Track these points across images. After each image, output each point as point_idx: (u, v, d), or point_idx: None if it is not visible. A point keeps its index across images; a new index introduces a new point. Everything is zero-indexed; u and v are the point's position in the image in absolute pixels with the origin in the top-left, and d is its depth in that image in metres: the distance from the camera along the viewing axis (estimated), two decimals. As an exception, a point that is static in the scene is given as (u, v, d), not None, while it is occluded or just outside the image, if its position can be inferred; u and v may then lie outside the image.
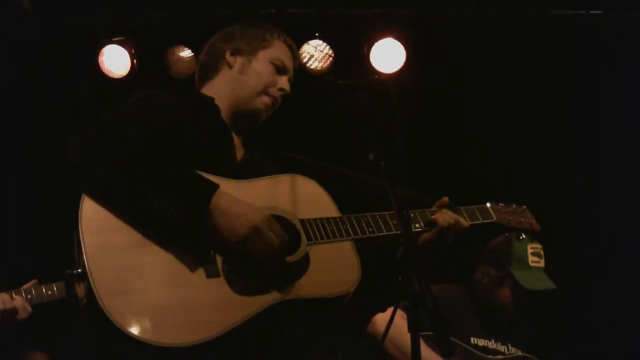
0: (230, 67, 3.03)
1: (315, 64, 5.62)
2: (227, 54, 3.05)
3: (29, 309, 3.44)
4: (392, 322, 2.78)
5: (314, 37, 5.56)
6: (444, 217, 3.02)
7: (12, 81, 3.48)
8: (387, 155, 2.52)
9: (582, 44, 5.63)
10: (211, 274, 2.53)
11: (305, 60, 5.58)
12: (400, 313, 3.05)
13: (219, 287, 2.51)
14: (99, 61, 5.50)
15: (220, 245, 2.57)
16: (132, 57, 5.51)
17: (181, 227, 2.51)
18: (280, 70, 3.04)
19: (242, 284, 2.54)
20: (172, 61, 5.60)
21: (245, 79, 3.00)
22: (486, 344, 4.22)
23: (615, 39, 5.50)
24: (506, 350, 4.25)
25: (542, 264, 4.28)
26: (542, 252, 4.29)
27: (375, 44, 5.54)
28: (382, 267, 2.93)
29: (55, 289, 3.54)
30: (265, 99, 3.00)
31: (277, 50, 3.07)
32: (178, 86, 5.50)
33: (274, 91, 3.01)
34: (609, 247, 5.81)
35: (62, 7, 5.43)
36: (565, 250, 5.33)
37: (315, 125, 5.83)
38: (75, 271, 2.45)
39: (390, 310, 4.18)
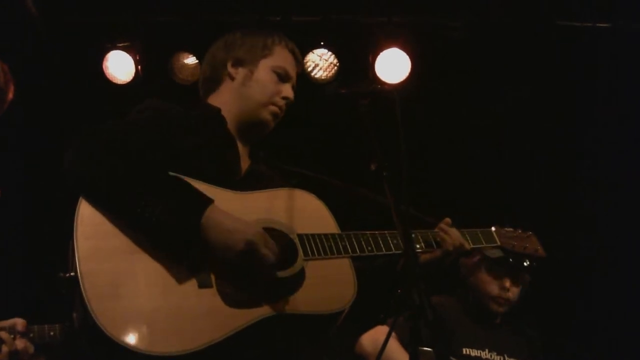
0: (233, 79, 3.01)
1: (320, 73, 5.61)
2: (229, 66, 3.01)
3: (32, 350, 3.43)
4: (385, 343, 2.76)
5: (319, 46, 5.55)
6: (451, 239, 2.99)
7: (16, 85, 3.49)
8: (389, 166, 2.50)
9: (586, 51, 5.63)
10: (203, 284, 2.50)
11: (310, 69, 5.57)
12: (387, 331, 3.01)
13: (211, 298, 2.49)
14: (104, 67, 5.50)
15: (214, 259, 2.53)
16: (136, 63, 5.52)
17: (174, 237, 2.49)
18: (282, 78, 3.01)
19: (234, 297, 2.51)
20: (177, 67, 5.60)
21: (248, 91, 2.98)
22: (479, 354, 4.18)
23: (620, 46, 5.51)
24: None
25: None
26: None
27: (381, 53, 5.53)
28: (382, 279, 2.93)
29: (57, 331, 3.53)
30: (271, 108, 2.98)
31: (279, 57, 3.03)
32: (182, 93, 5.50)
33: (278, 100, 2.98)
34: (610, 250, 5.82)
35: (68, 13, 5.44)
36: (566, 251, 5.34)
37: (319, 133, 5.82)
38: (67, 275, 2.43)
39: (377, 328, 4.21)
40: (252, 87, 2.98)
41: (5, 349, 3.33)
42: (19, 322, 3.43)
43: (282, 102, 2.99)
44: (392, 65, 5.54)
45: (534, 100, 5.87)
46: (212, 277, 2.52)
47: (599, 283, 5.77)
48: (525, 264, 3.79)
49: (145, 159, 2.57)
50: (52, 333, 3.51)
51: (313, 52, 5.57)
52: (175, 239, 2.49)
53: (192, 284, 2.48)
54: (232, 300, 2.50)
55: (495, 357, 4.20)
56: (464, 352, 4.16)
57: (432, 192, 5.27)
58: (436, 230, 3.03)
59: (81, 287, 2.36)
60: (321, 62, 5.57)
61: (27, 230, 5.41)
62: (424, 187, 4.71)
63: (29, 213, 5.34)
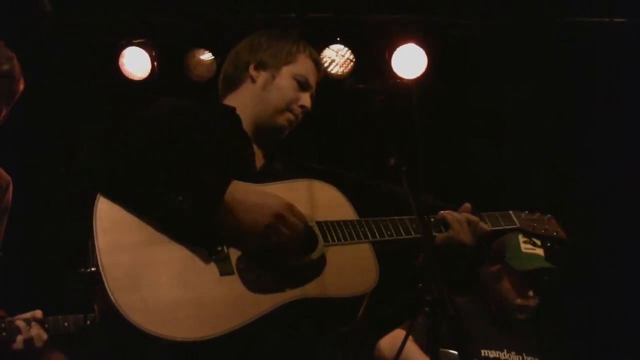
0: (254, 81, 3.04)
1: (336, 69, 5.60)
2: (251, 68, 3.05)
3: (45, 337, 3.47)
4: (402, 346, 2.75)
5: (335, 42, 5.54)
6: (455, 218, 3.00)
7: (33, 82, 3.49)
8: (407, 161, 2.50)
9: (600, 48, 5.61)
10: (225, 272, 2.51)
11: (326, 64, 5.56)
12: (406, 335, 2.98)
13: (233, 285, 2.50)
14: (120, 63, 5.50)
15: (236, 243, 2.56)
16: (152, 60, 5.52)
17: (196, 221, 2.49)
18: (303, 86, 3.04)
19: (256, 283, 2.52)
20: (193, 64, 5.60)
21: (267, 96, 3.01)
22: (498, 356, 4.16)
23: (620, 45, 5.50)
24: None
25: (538, 250, 4.21)
26: (536, 241, 4.23)
27: (397, 49, 5.51)
28: (402, 273, 2.94)
29: (71, 321, 3.58)
30: (288, 116, 3.00)
31: (301, 65, 3.06)
32: (198, 89, 5.50)
33: (295, 108, 3.01)
34: (610, 250, 5.82)
35: (84, 9, 5.45)
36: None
37: (336, 129, 5.81)
38: (88, 270, 2.45)
39: (395, 332, 4.19)
40: (272, 92, 3.01)
41: (20, 337, 3.38)
42: (37, 312, 3.49)
43: (299, 110, 3.02)
44: (409, 61, 5.51)
45: (534, 100, 5.86)
46: (234, 264, 2.53)
47: (599, 283, 5.76)
48: (547, 245, 3.81)
49: (162, 153, 2.57)
50: (66, 324, 3.56)
51: (329, 48, 5.56)
52: (199, 222, 2.49)
53: (213, 272, 2.50)
54: (254, 286, 2.51)
55: (514, 357, 4.19)
56: (482, 353, 4.14)
57: (431, 192, 5.25)
58: (440, 213, 3.03)
59: (103, 279, 2.37)
60: (337, 57, 5.56)
61: (27, 230, 5.41)
62: (440, 183, 4.69)
63: (29, 213, 5.35)
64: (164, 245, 2.49)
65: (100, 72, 5.55)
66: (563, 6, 5.55)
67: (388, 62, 5.51)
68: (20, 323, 3.43)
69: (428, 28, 5.57)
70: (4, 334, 3.42)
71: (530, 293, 4.23)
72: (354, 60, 5.58)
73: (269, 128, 3.01)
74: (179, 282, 2.45)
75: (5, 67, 3.18)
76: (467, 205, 3.08)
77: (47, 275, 5.23)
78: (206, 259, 2.51)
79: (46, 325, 3.51)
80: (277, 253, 2.58)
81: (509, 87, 5.83)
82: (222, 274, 2.50)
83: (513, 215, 3.24)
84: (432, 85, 5.51)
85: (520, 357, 4.19)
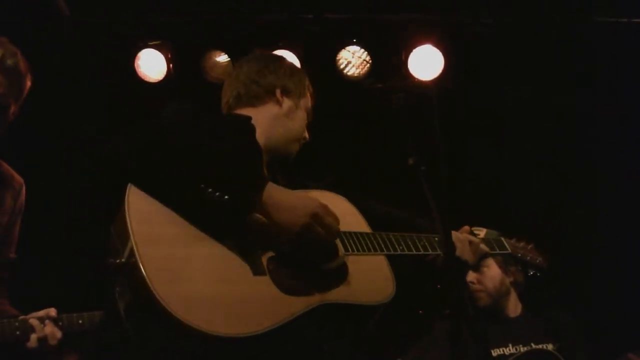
0: (280, 105, 3.04)
1: (352, 70, 5.59)
2: (278, 92, 3.04)
3: (59, 336, 3.46)
4: None
5: (352, 43, 5.53)
6: (456, 234, 3.09)
7: (48, 84, 3.48)
8: (426, 161, 2.50)
9: (600, 48, 5.63)
10: (257, 272, 2.53)
11: (342, 66, 5.56)
12: None
13: (266, 285, 2.53)
14: (136, 65, 5.49)
15: (274, 240, 2.59)
16: (168, 62, 5.50)
17: (233, 217, 2.51)
18: (308, 119, 3.13)
19: (286, 284, 2.55)
20: (209, 66, 5.58)
21: (291, 124, 3.04)
22: (502, 352, 4.19)
23: (621, 45, 5.53)
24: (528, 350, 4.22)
25: None
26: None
27: (413, 50, 5.49)
28: (421, 274, 2.99)
29: (86, 319, 3.57)
30: (297, 146, 3.07)
31: (309, 100, 3.15)
32: (214, 91, 5.48)
33: (302, 139, 3.10)
34: (610, 250, 5.86)
35: (99, 11, 5.45)
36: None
37: (354, 129, 5.80)
38: (118, 260, 2.42)
39: None
40: (295, 121, 3.05)
41: (34, 336, 3.37)
42: (51, 310, 3.48)
43: (303, 142, 3.10)
44: (425, 62, 5.50)
45: (533, 100, 5.89)
46: (265, 265, 2.56)
47: (598, 283, 5.80)
48: (530, 273, 3.90)
49: (200, 144, 2.55)
50: (80, 322, 3.53)
51: (346, 49, 5.55)
52: (236, 216, 2.52)
53: (246, 271, 2.51)
54: (286, 287, 2.54)
55: (522, 349, 4.20)
56: None
57: (462, 193, 5.25)
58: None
59: (142, 270, 2.34)
60: (354, 59, 5.55)
61: (26, 231, 5.41)
62: (456, 186, 4.68)
63: (29, 213, 5.35)
64: (197, 241, 2.49)
65: (116, 74, 5.55)
66: (563, 6, 5.56)
67: (405, 64, 5.49)
68: (34, 322, 3.41)
69: (445, 29, 5.55)
70: (17, 332, 3.40)
71: (470, 277, 4.30)
72: (370, 61, 5.56)
73: (283, 153, 3.03)
74: (214, 278, 2.46)
75: (10, 61, 3.19)
76: (467, 227, 3.21)
77: (48, 275, 5.25)
78: (239, 258, 2.53)
79: (60, 323, 3.48)
80: (311, 254, 2.61)
81: (509, 87, 5.85)
82: (254, 273, 2.53)
83: (505, 242, 3.37)
84: (448, 86, 5.51)
85: (529, 347, 4.20)
